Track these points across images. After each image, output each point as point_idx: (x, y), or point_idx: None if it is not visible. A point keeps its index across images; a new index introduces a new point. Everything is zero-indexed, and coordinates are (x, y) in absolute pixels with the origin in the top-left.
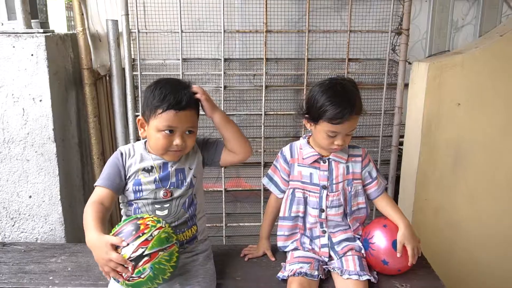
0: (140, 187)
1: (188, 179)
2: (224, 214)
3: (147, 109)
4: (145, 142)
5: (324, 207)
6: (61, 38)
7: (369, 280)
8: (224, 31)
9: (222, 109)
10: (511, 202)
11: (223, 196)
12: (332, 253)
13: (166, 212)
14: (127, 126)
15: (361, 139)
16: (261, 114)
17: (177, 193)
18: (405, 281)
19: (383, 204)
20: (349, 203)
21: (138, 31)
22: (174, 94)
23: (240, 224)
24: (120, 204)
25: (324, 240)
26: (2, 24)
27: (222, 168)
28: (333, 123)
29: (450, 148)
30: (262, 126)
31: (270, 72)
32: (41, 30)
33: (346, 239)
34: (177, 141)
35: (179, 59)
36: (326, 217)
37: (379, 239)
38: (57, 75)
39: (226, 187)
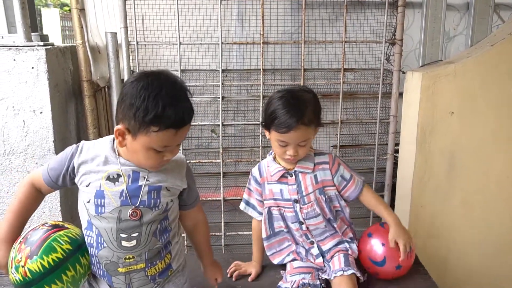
0: (102, 201)
1: (164, 201)
2: (223, 223)
3: (133, 120)
4: (113, 140)
5: (301, 219)
6: (61, 51)
7: (357, 277)
8: (222, 42)
9: (220, 119)
10: (503, 207)
11: (222, 205)
12: (324, 261)
13: (134, 242)
14: None
15: (357, 148)
16: (259, 124)
17: (147, 216)
18: (402, 286)
19: (367, 200)
20: (328, 210)
21: (137, 43)
22: (174, 109)
23: (239, 233)
24: (78, 205)
25: (315, 250)
26: (3, 37)
27: (221, 177)
28: (280, 132)
29: (444, 155)
30: (260, 135)
31: (267, 83)
32: (42, 43)
33: (336, 244)
34: (168, 156)
35: (177, 70)
36: (307, 228)
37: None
38: (57, 87)
39: (225, 196)
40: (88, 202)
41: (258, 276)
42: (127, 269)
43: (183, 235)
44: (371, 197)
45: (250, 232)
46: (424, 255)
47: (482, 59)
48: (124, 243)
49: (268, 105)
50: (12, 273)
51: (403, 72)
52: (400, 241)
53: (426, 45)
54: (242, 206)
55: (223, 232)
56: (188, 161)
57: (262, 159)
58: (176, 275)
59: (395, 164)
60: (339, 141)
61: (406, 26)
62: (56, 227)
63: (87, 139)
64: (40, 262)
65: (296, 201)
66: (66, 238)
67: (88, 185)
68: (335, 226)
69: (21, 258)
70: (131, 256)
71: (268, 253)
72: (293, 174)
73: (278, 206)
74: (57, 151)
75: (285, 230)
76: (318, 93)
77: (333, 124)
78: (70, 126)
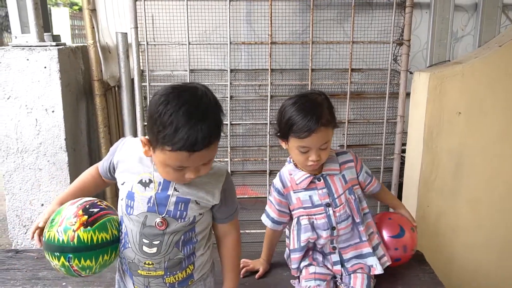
0: (132, 203)
1: (190, 215)
2: None
3: (151, 134)
4: None
5: (334, 224)
6: (72, 51)
7: None
8: (230, 42)
9: (228, 119)
10: (510, 207)
11: None
12: (342, 270)
13: (154, 250)
14: (136, 135)
15: (364, 147)
16: (267, 123)
17: (171, 226)
18: (409, 286)
19: (385, 196)
20: (358, 211)
21: (147, 43)
22: (188, 131)
23: (246, 231)
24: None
25: (336, 257)
26: (16, 37)
27: None
28: (301, 137)
29: (451, 155)
30: (268, 135)
31: (275, 82)
32: (54, 43)
33: (357, 256)
34: (189, 175)
35: (186, 70)
36: (338, 233)
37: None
38: (68, 86)
39: None
40: (122, 200)
41: (266, 274)
42: (146, 273)
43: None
44: (388, 193)
45: (257, 231)
46: (430, 254)
47: (490, 60)
48: (145, 248)
49: (281, 113)
50: (57, 232)
51: (411, 73)
52: (406, 213)
53: (434, 45)
54: (263, 218)
55: None
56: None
57: (269, 158)
58: (197, 283)
59: (402, 164)
60: (346, 140)
61: (413, 26)
62: (110, 209)
63: (97, 138)
64: (91, 235)
65: (328, 205)
66: (116, 224)
67: (123, 184)
68: (361, 230)
69: (75, 222)
70: (150, 262)
71: (292, 266)
72: (321, 178)
73: (308, 215)
74: (68, 149)
75: (311, 241)
76: (325, 92)
77: (340, 124)
78: (81, 125)
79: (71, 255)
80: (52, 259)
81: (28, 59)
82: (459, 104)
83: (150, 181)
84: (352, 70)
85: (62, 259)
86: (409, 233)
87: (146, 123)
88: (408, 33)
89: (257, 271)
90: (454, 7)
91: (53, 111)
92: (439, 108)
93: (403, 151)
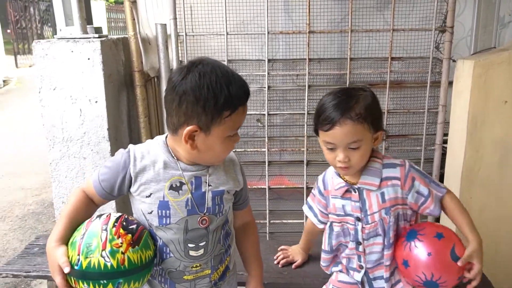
0: (167, 212)
1: (226, 206)
2: (267, 211)
3: (204, 115)
4: (166, 140)
5: (360, 239)
6: (114, 42)
7: None
8: (268, 32)
9: (266, 109)
10: None
11: (267, 194)
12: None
13: (201, 251)
14: None
15: (404, 138)
16: (304, 113)
17: (213, 223)
18: None
19: (449, 210)
20: (393, 233)
21: (186, 34)
22: (236, 86)
23: (283, 221)
24: (134, 215)
25: (358, 276)
26: (61, 30)
27: (266, 166)
28: (324, 130)
29: (496, 146)
30: (305, 125)
31: (313, 72)
32: (97, 35)
33: (385, 278)
34: (237, 139)
35: (224, 61)
36: (364, 250)
37: (429, 244)
38: (110, 77)
39: (270, 185)
40: (150, 213)
41: (304, 264)
42: (193, 276)
43: None
44: (454, 207)
45: (294, 221)
46: None
47: None
48: (192, 252)
49: (318, 105)
50: (103, 257)
51: (453, 61)
52: (478, 264)
53: (479, 32)
54: (305, 208)
55: (267, 220)
56: (234, 150)
57: (306, 148)
58: (231, 275)
59: (443, 154)
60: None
61: (457, 12)
62: (141, 224)
63: (137, 128)
64: (140, 255)
65: (358, 219)
66: (151, 238)
67: (150, 196)
68: (385, 255)
69: (121, 243)
70: (198, 265)
71: (322, 263)
72: (356, 190)
73: (340, 222)
74: (110, 139)
75: (344, 244)
76: (364, 82)
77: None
78: (122, 115)
79: (121, 280)
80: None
81: (72, 51)
82: (506, 93)
83: (182, 183)
84: (392, 58)
85: (110, 286)
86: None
87: (183, 115)
88: (452, 20)
89: (295, 261)
90: None
91: (96, 102)
92: (484, 97)
93: (445, 141)
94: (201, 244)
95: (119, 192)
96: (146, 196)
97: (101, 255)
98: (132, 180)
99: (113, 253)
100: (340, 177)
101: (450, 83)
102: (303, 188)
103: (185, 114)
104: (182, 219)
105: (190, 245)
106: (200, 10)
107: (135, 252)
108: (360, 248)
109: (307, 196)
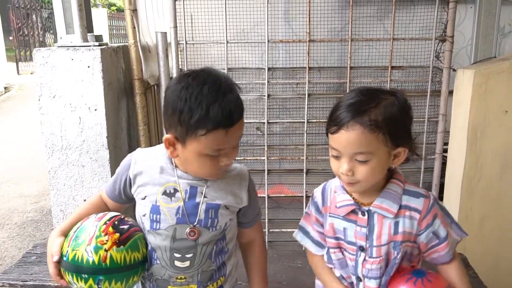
0: (158, 217)
1: (222, 222)
2: (266, 220)
3: (179, 126)
4: None
5: (360, 275)
6: (114, 50)
7: None
8: (268, 41)
9: (266, 117)
10: None
11: (266, 202)
12: None
13: (187, 263)
14: None
15: None
16: (304, 122)
17: (204, 236)
18: None
19: (451, 277)
20: (387, 274)
21: (186, 42)
22: (220, 105)
23: (283, 230)
24: (136, 217)
25: None
26: (61, 38)
27: (265, 175)
28: (331, 132)
29: (497, 156)
30: (305, 133)
31: (313, 81)
32: (97, 43)
33: None
34: (224, 160)
35: (224, 69)
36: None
37: None
38: (110, 85)
39: (269, 194)
40: (144, 216)
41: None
42: None
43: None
44: (459, 275)
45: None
46: (474, 257)
47: None
48: (177, 263)
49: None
50: (86, 252)
51: (454, 70)
52: None
53: (479, 41)
54: (298, 236)
55: (267, 229)
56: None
57: (306, 157)
58: None
59: (443, 164)
60: None
61: (457, 22)
62: (137, 226)
63: (137, 135)
64: (124, 255)
65: (362, 248)
66: (144, 242)
67: (144, 198)
68: None
69: (107, 240)
70: (183, 277)
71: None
72: (366, 212)
73: (339, 247)
74: (110, 147)
75: (344, 279)
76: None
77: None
78: (122, 123)
79: (101, 277)
80: (77, 281)
81: (72, 59)
82: (506, 102)
83: (176, 190)
84: (392, 67)
85: (90, 281)
86: None
87: (167, 121)
88: (452, 29)
89: None
90: (501, 1)
91: (95, 110)
92: (484, 107)
93: (445, 150)
94: (188, 255)
95: (125, 193)
96: (142, 198)
97: (85, 250)
98: (132, 182)
99: (96, 249)
100: (348, 193)
101: (450, 92)
102: (302, 196)
103: (166, 121)
104: (171, 226)
105: (176, 254)
106: (200, 19)
107: (119, 251)
108: (360, 286)
109: (306, 205)
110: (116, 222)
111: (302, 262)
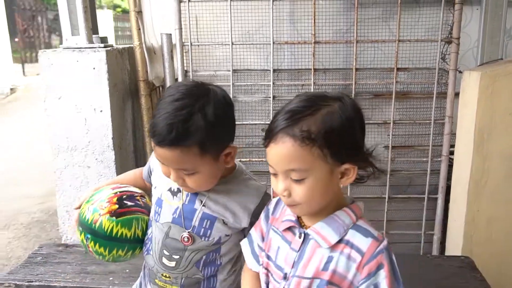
0: (159, 210)
1: (215, 235)
2: None
3: None
4: None
5: None
6: (119, 52)
7: None
8: (273, 42)
9: (271, 119)
10: None
11: None
12: None
13: (173, 264)
14: None
15: (410, 149)
16: None
17: (196, 243)
18: None
19: None
20: None
21: (191, 44)
22: (161, 124)
23: None
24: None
25: None
26: (67, 39)
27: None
28: (263, 146)
29: (503, 158)
30: None
31: (318, 82)
32: (102, 45)
33: None
34: (172, 176)
35: (229, 70)
36: None
37: None
38: (116, 87)
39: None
40: (153, 205)
41: None
42: (162, 284)
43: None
44: None
45: None
46: (481, 260)
47: None
48: (164, 260)
49: None
50: (87, 209)
51: (460, 72)
52: None
53: (485, 43)
54: (243, 242)
55: None
56: (239, 159)
57: None
58: None
59: (450, 166)
60: (391, 141)
61: (463, 23)
62: (145, 209)
63: (142, 136)
64: (112, 226)
65: (285, 277)
66: (144, 225)
67: (155, 188)
68: None
69: (105, 208)
70: (167, 275)
71: None
72: (303, 235)
73: (267, 270)
74: (115, 148)
75: None
76: (370, 92)
77: (385, 124)
78: (127, 124)
79: (89, 236)
80: (77, 230)
81: (78, 61)
82: None
83: (179, 190)
84: (398, 69)
85: (82, 235)
86: None
87: None
88: (458, 31)
89: None
90: (507, 3)
91: (101, 111)
92: (491, 109)
93: (451, 152)
94: (175, 256)
95: (150, 178)
96: (154, 188)
97: (88, 208)
98: (151, 171)
99: (94, 211)
100: None
101: (457, 94)
102: None
103: None
104: (166, 223)
105: (165, 251)
106: (205, 20)
107: (109, 220)
108: None
109: None
110: (124, 197)
111: None
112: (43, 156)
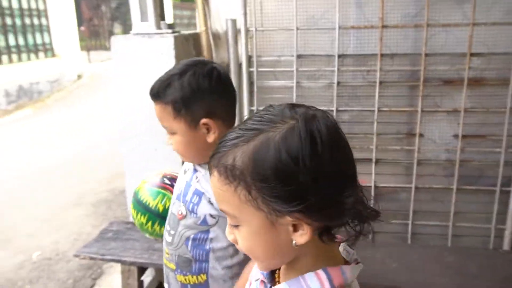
0: (175, 186)
1: (201, 212)
2: None
3: None
4: None
5: None
6: (185, 38)
7: None
8: (339, 27)
9: (334, 105)
10: None
11: None
12: None
13: (170, 239)
14: (243, 119)
15: (481, 139)
16: (374, 110)
17: (186, 219)
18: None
19: None
20: None
21: (255, 29)
22: (156, 80)
23: None
24: None
25: None
26: (136, 25)
27: None
28: None
29: None
30: (375, 122)
31: (385, 68)
32: (170, 31)
33: None
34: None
35: (293, 56)
36: None
37: None
38: None
39: None
40: None
41: None
42: (165, 261)
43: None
44: None
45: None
46: None
47: None
48: (166, 235)
49: None
50: (143, 177)
51: None
52: None
53: None
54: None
55: None
56: None
57: (375, 146)
58: None
59: None
60: (461, 130)
61: None
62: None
63: None
64: (143, 193)
65: None
66: (167, 202)
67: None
68: None
69: (150, 180)
70: (167, 251)
71: None
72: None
73: None
74: None
75: None
76: (440, 79)
77: (455, 112)
78: None
79: (132, 199)
80: None
81: (147, 46)
82: None
83: (189, 168)
84: (472, 54)
85: (132, 204)
86: None
87: None
88: None
89: None
90: None
91: None
92: None
93: None
94: (172, 232)
95: None
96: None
97: (145, 176)
98: None
99: (144, 179)
100: None
101: None
102: (371, 186)
103: None
104: (174, 199)
105: (167, 226)
106: (270, 5)
107: (143, 188)
108: None
109: (375, 195)
110: (168, 177)
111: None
112: (110, 139)
